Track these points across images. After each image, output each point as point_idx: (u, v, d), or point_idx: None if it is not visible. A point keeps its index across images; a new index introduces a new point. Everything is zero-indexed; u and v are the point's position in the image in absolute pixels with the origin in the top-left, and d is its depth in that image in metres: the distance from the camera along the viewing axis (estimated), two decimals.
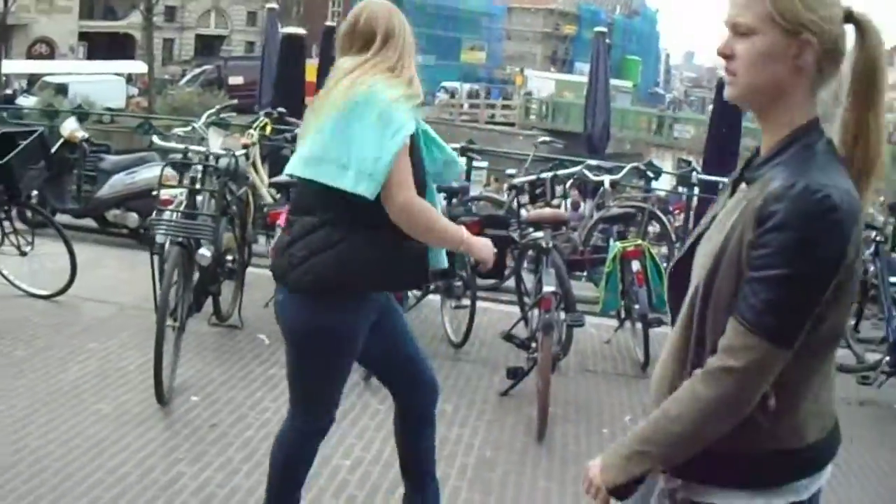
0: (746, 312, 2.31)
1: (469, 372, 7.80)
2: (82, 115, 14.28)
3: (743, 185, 2.55)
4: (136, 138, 18.36)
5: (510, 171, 11.34)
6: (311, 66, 17.06)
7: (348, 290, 4.26)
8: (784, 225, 2.28)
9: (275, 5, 21.59)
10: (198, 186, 7.61)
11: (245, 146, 8.69)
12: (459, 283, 8.12)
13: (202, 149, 7.72)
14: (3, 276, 8.91)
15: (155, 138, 8.34)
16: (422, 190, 4.22)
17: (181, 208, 7.55)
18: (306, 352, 4.44)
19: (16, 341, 7.68)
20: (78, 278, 8.80)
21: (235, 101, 11.20)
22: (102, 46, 71.03)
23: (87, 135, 10.31)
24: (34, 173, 8.81)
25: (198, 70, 59.79)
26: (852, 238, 2.31)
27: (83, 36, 73.22)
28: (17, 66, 58.81)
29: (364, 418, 6.48)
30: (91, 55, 69.61)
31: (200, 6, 77.11)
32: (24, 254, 8.87)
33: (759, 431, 2.45)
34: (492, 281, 9.45)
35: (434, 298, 8.65)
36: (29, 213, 9.22)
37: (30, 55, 67.60)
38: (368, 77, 4.13)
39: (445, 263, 4.71)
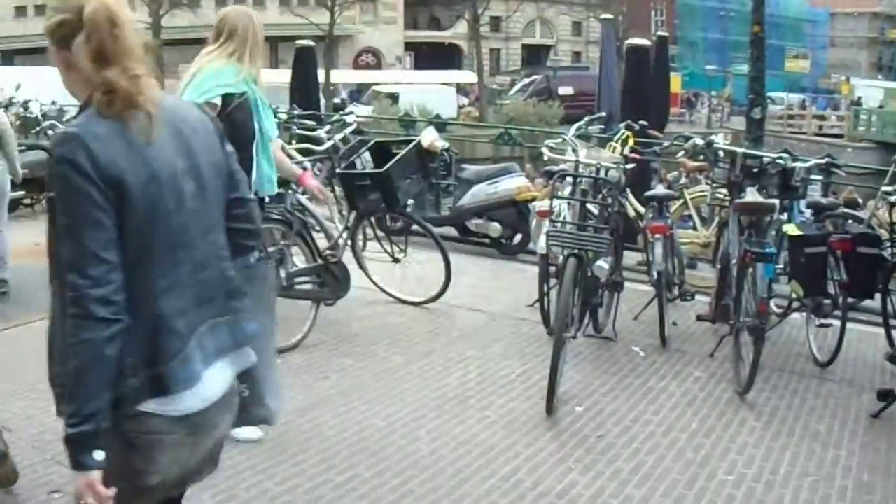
0: None
1: (837, 392, 7.62)
2: (440, 125, 14.77)
3: None
4: (467, 146, 18.86)
5: (885, 187, 10.98)
6: (675, 77, 17.07)
7: None
8: None
9: (610, 16, 21.84)
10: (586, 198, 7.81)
11: (630, 159, 8.85)
12: (828, 302, 8.04)
13: (592, 161, 7.88)
14: (374, 282, 9.41)
15: (546, 150, 8.55)
16: (248, 142, 6.03)
17: (573, 220, 7.72)
18: None
19: (392, 347, 8.15)
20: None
21: (603, 114, 11.31)
22: (428, 56, 72.95)
23: (447, 144, 10.69)
24: (411, 182, 9.19)
25: (527, 80, 60.69)
26: None
27: (408, 46, 75.29)
28: (345, 75, 61.24)
29: (742, 434, 6.51)
30: (417, 65, 71.53)
31: (525, 16, 78.22)
32: (396, 261, 9.29)
33: None
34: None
35: (798, 317, 8.58)
36: (399, 222, 9.62)
37: (356, 65, 70.08)
38: (209, 59, 6.01)
39: (273, 190, 6.56)
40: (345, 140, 10.21)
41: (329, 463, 5.92)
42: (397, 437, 6.32)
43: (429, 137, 9.76)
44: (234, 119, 5.85)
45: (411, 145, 9.36)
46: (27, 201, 14.43)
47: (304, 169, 8.23)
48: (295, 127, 12.70)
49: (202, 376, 3.03)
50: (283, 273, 7.96)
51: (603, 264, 7.38)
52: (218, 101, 5.81)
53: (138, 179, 2.82)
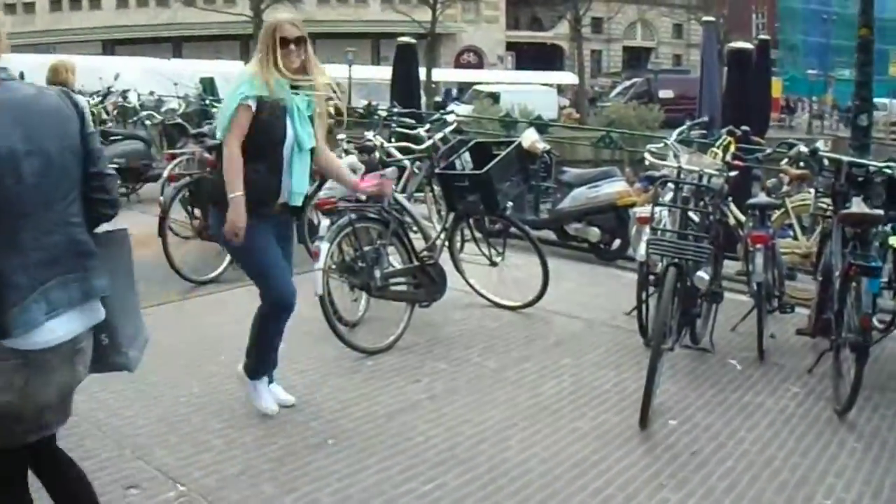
0: None
1: None
2: (540, 126, 14.56)
3: None
4: (567, 148, 18.55)
5: None
6: (776, 82, 16.68)
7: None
8: None
9: (711, 18, 21.55)
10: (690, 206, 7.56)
11: (732, 166, 8.57)
12: None
13: (695, 168, 7.64)
14: (470, 285, 9.24)
15: (647, 155, 8.31)
16: (277, 146, 6.18)
17: (673, 228, 7.47)
18: (231, 250, 6.73)
19: (487, 352, 7.95)
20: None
21: (706, 119, 10.97)
22: (529, 56, 72.78)
23: (548, 146, 10.49)
24: (511, 184, 9.00)
25: (627, 83, 60.19)
26: None
27: (510, 46, 75.18)
28: (447, 74, 61.29)
29: (841, 456, 6.21)
30: (519, 65, 71.32)
31: (626, 18, 77.68)
32: (494, 264, 9.10)
33: None
34: None
35: None
36: (497, 224, 9.38)
37: (458, 64, 70.11)
38: (246, 68, 6.44)
39: (297, 203, 6.42)
40: (444, 139, 10.06)
41: (416, 470, 5.77)
42: (487, 446, 6.13)
43: (529, 139, 9.57)
44: (262, 123, 6.12)
45: (512, 147, 9.16)
46: (122, 191, 14.44)
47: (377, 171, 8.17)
48: (394, 125, 12.56)
49: (43, 323, 3.55)
50: (377, 273, 7.85)
51: (703, 275, 7.12)
52: (250, 103, 6.09)
53: None
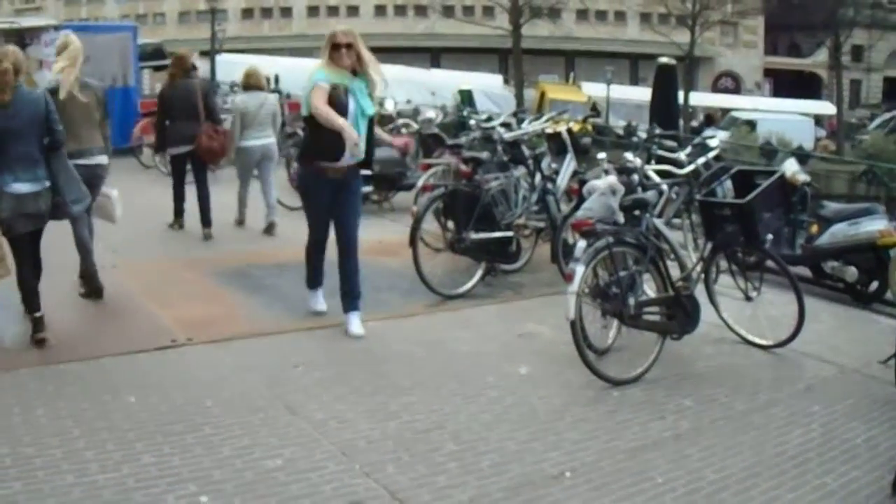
0: None
1: None
2: (802, 156, 13.83)
3: None
4: (822, 181, 17.91)
5: None
6: None
7: (303, 162, 8.60)
8: None
9: None
10: None
11: None
12: None
13: None
14: (723, 319, 8.64)
15: None
16: (343, 116, 7.83)
17: None
18: (302, 199, 8.70)
19: (735, 392, 7.34)
20: None
21: None
22: (787, 84, 70.68)
23: (808, 178, 9.81)
24: (772, 216, 8.37)
25: (888, 115, 57.55)
26: None
27: (767, 72, 73.37)
28: (704, 98, 59.99)
29: None
30: (776, 92, 69.42)
31: (889, 46, 74.34)
32: (749, 299, 8.48)
33: None
34: None
35: None
36: (753, 257, 8.74)
37: (715, 88, 68.84)
38: (318, 64, 8.13)
39: (362, 156, 8.24)
40: (707, 165, 9.55)
41: None
42: (728, 496, 5.59)
43: (791, 169, 8.97)
44: (334, 99, 7.89)
45: (775, 176, 8.50)
46: (375, 197, 14.46)
47: None
48: (654, 147, 12.05)
49: (12, 184, 7.25)
50: (632, 300, 7.40)
51: None
52: (324, 84, 7.90)
53: None
